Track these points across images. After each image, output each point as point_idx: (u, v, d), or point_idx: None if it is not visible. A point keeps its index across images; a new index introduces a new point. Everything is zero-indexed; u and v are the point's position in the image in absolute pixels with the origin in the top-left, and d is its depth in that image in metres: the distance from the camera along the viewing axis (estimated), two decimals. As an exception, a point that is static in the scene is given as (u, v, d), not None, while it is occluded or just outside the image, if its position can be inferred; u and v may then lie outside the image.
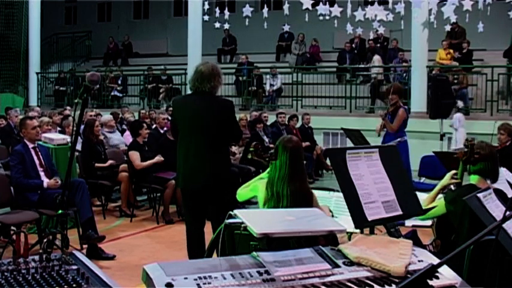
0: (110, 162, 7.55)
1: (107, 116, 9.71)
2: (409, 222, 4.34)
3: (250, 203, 4.79)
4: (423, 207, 3.24)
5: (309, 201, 3.46)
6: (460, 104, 11.96)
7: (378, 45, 14.71)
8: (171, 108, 11.48)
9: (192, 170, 4.31)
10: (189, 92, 4.59)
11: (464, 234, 3.29)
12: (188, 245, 4.48)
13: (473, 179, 3.51)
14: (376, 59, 13.94)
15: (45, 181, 5.64)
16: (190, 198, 4.43)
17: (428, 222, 4.17)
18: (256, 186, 3.66)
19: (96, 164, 7.43)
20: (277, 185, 3.42)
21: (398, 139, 6.78)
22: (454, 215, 3.41)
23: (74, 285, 1.84)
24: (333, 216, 3.52)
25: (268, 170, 3.69)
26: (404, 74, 13.35)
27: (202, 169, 4.28)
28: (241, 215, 2.54)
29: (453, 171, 3.70)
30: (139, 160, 7.24)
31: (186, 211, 4.63)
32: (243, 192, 3.77)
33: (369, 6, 10.73)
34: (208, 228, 4.43)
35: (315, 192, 3.66)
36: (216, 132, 4.32)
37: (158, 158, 7.30)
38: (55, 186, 5.61)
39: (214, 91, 4.41)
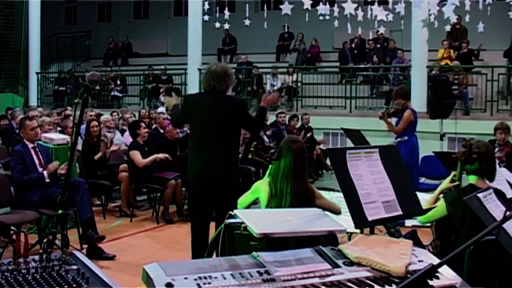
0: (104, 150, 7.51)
1: (105, 116, 9.70)
2: (409, 222, 4.34)
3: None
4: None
5: (311, 200, 3.50)
6: None
7: (378, 45, 14.70)
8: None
9: (207, 166, 4.39)
10: (191, 92, 4.67)
11: (465, 235, 3.28)
12: (193, 244, 4.50)
13: (472, 179, 3.51)
14: None
15: (45, 173, 5.66)
16: (200, 193, 4.46)
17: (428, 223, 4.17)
18: (257, 187, 3.66)
19: (96, 157, 7.41)
20: (280, 182, 3.46)
21: (398, 139, 6.78)
22: (455, 216, 3.40)
23: (74, 285, 1.84)
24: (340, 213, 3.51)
25: (268, 172, 3.71)
26: (406, 72, 13.34)
27: (217, 165, 4.38)
28: (241, 215, 2.54)
29: (451, 174, 3.70)
30: (141, 158, 7.25)
31: (194, 207, 4.64)
32: (244, 199, 3.75)
33: (369, 6, 10.74)
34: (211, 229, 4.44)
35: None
36: (230, 130, 4.46)
37: (162, 155, 7.31)
38: (57, 168, 5.61)
39: (227, 90, 4.60)
